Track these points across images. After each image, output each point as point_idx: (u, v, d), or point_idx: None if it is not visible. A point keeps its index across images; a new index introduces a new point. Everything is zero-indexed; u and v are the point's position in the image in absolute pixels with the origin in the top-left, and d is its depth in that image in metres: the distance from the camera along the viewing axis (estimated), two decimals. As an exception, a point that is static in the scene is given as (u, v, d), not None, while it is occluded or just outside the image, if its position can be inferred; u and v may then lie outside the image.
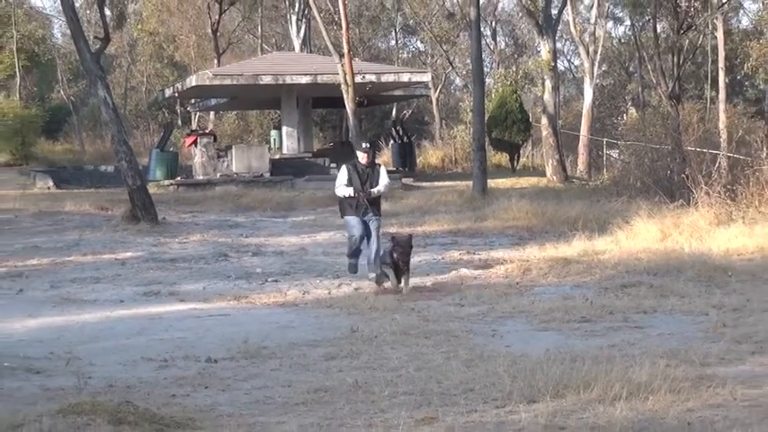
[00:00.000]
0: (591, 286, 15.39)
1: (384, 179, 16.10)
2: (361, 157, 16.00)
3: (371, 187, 15.74)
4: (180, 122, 43.23)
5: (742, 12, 39.98)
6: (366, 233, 15.85)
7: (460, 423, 7.86)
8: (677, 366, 9.39)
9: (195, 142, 38.28)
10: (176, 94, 39.60)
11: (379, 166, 16.59)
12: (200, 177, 36.72)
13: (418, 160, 44.37)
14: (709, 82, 39.56)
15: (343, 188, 15.72)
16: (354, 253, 16.04)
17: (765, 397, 8.47)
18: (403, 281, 14.99)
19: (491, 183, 32.59)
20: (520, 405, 8.24)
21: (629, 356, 9.90)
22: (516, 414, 8.03)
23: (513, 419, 7.91)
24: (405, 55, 58.36)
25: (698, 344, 10.83)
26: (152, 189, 28.22)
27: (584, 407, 8.10)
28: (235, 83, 37.60)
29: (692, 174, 27.46)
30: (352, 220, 15.80)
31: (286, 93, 38.84)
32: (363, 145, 16.86)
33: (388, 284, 15.41)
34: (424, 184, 36.83)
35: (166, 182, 35.47)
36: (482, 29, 36.56)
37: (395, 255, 14.83)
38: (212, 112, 47.91)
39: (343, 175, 15.91)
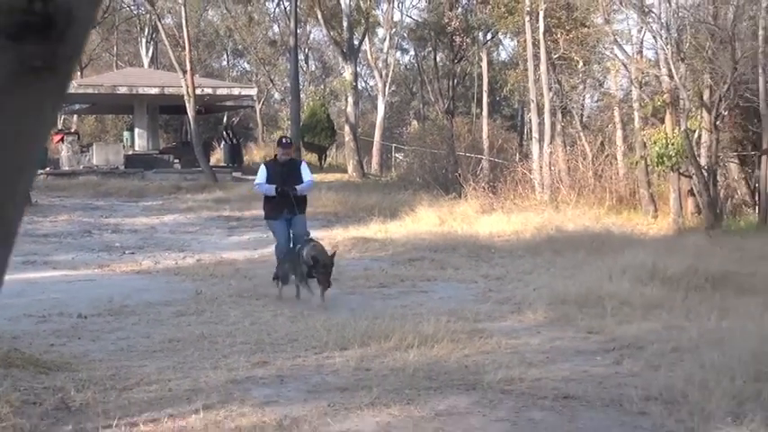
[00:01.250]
0: (386, 260, 15.65)
1: (308, 173, 12.87)
2: (283, 153, 12.48)
3: (294, 184, 12.39)
4: (48, 123, 42.32)
5: (501, 47, 40.80)
6: (290, 235, 12.52)
7: (287, 366, 7.96)
8: (456, 322, 9.68)
9: (62, 139, 37.81)
10: (45, 100, 38.62)
11: (300, 161, 13.47)
12: (66, 168, 36.01)
13: (245, 158, 44.24)
14: (476, 101, 40.37)
15: (264, 185, 12.35)
16: (282, 268, 12.03)
17: (523, 346, 8.78)
18: (320, 292, 10.97)
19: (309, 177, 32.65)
20: (334, 352, 8.39)
21: (418, 314, 10.14)
22: (332, 359, 8.19)
23: (329, 363, 8.06)
24: (234, 73, 57.96)
25: (470, 305, 11.14)
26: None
27: (384, 353, 8.28)
28: (96, 92, 37.30)
29: (462, 173, 28.10)
30: (277, 225, 12.51)
31: (138, 101, 38.52)
32: (283, 140, 13.08)
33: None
34: (250, 177, 36.61)
35: (39, 172, 34.51)
36: (298, 54, 36.56)
37: (316, 275, 10.92)
38: (75, 115, 46.84)
39: (262, 172, 12.54)
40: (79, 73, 46.29)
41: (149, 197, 28.46)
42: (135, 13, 50.72)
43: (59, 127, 42.94)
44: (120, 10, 51.01)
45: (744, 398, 6.62)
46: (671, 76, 21.40)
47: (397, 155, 41.48)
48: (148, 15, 44.49)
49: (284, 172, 12.34)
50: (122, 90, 37.10)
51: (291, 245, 12.24)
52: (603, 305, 10.42)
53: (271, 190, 12.25)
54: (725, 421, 6.20)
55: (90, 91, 37.34)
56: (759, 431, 6.02)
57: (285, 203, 12.34)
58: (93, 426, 6.13)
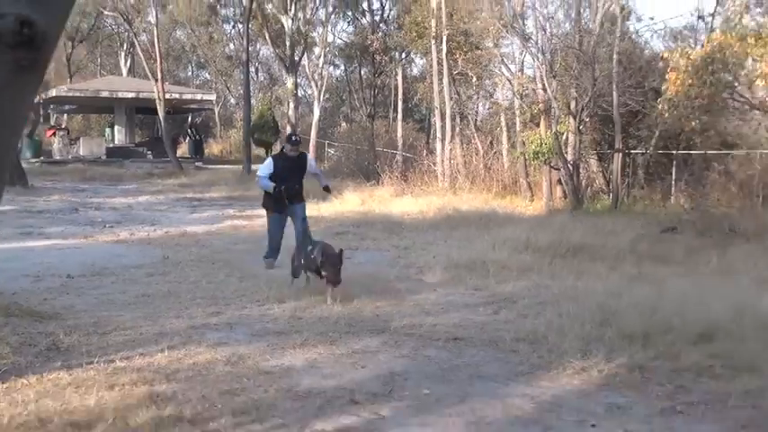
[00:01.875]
0: (318, 233, 15.31)
1: (314, 167, 11.67)
2: (291, 149, 10.75)
3: (301, 178, 10.95)
4: (42, 120, 41.43)
5: (413, 64, 40.95)
6: (284, 228, 11.06)
7: (236, 315, 8.05)
8: (371, 281, 9.83)
9: (54, 134, 37.43)
10: (41, 101, 37.79)
11: (305, 155, 11.28)
12: (58, 157, 35.49)
13: (206, 151, 43.90)
14: (392, 107, 40.38)
15: (264, 180, 10.73)
16: (272, 254, 11.04)
17: (423, 300, 8.90)
18: (330, 291, 8.74)
19: (253, 167, 32.42)
20: (274, 304, 8.46)
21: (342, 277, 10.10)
22: (272, 310, 8.27)
23: (269, 313, 8.13)
24: (197, 81, 57.19)
25: (383, 268, 11.28)
26: (24, 165, 26.87)
27: (313, 305, 8.41)
28: (82, 95, 37.02)
29: (380, 164, 28.19)
30: (273, 219, 10.94)
31: (117, 103, 38.14)
32: (293, 137, 11.20)
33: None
34: (210, 166, 36.38)
35: (33, 160, 33.91)
36: (249, 67, 36.31)
37: (325, 274, 8.87)
38: (66, 114, 45.95)
39: (268, 165, 10.85)
40: (69, 80, 45.60)
41: (126, 182, 28.15)
42: (115, 31, 49.85)
43: (52, 123, 42.24)
44: (102, 28, 50.16)
45: (590, 339, 6.85)
46: (545, 90, 21.69)
47: (329, 150, 41.28)
48: (127, 33, 43.73)
49: (291, 167, 10.72)
50: (104, 94, 36.97)
51: (298, 237, 10.50)
52: (487, 269, 10.60)
53: (269, 187, 10.64)
54: (576, 356, 6.41)
55: (78, 95, 37.10)
56: (600, 364, 6.25)
57: (283, 200, 10.72)
58: (77, 362, 6.15)
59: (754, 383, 5.80)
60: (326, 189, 11.73)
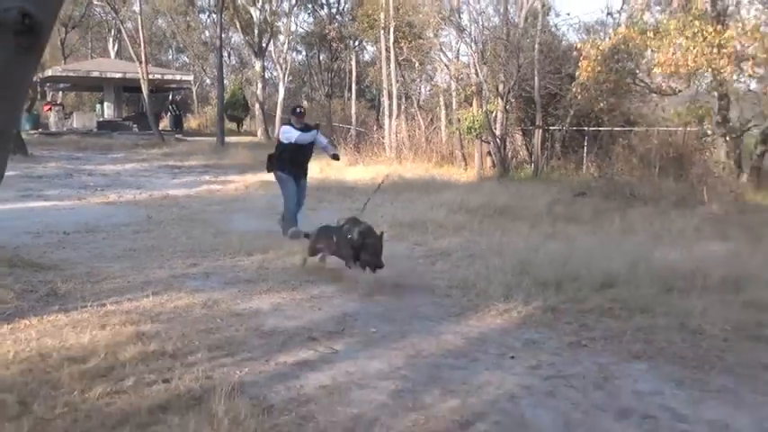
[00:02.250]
0: (281, 197, 15.48)
1: (323, 138, 10.30)
2: (297, 120, 9.78)
3: (311, 149, 10.06)
4: (39, 96, 40.35)
5: (366, 51, 40.63)
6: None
7: (211, 266, 7.99)
8: None
9: (50, 109, 36.50)
10: (38, 80, 36.81)
11: (315, 128, 9.98)
12: (54, 130, 34.60)
13: (185, 125, 43.15)
14: (347, 88, 40.09)
15: (296, 134, 9.62)
16: (294, 220, 9.84)
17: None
18: (364, 274, 7.01)
19: (227, 139, 32.07)
20: (244, 257, 8.43)
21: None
22: (242, 261, 8.24)
23: (240, 264, 8.11)
24: (177, 64, 56.00)
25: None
26: (23, 136, 26.22)
27: (278, 258, 8.36)
28: (75, 75, 36.07)
29: (336, 137, 28.06)
30: (290, 182, 9.89)
31: (106, 83, 37.20)
32: (297, 109, 10.06)
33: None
34: (189, 138, 35.81)
35: (32, 131, 33.07)
36: (222, 52, 35.71)
37: (364, 257, 6.97)
38: (61, 92, 44.78)
39: (290, 129, 9.72)
40: (63, 61, 44.43)
41: (115, 151, 27.57)
42: (104, 18, 48.56)
43: (48, 99, 41.20)
44: (92, 16, 48.84)
45: (512, 286, 6.96)
46: (477, 74, 21.75)
47: (292, 124, 41.06)
48: (114, 21, 42.62)
49: (305, 137, 9.77)
50: (95, 74, 36.16)
51: (299, 207, 9.87)
52: (426, 227, 10.68)
53: (302, 138, 9.59)
54: (499, 300, 6.53)
55: (71, 74, 36.20)
56: (519, 306, 6.38)
57: (301, 164, 9.85)
58: (73, 306, 6.10)
59: (646, 322, 5.98)
60: (335, 157, 10.64)
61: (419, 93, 32.08)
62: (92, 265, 7.82)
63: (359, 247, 6.96)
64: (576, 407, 4.33)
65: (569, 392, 4.54)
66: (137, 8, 35.44)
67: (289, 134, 9.67)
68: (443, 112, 26.54)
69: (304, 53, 45.68)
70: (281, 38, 39.94)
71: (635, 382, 4.73)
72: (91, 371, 4.58)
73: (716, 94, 17.83)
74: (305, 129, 9.83)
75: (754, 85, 17.47)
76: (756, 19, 16.57)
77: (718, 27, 16.33)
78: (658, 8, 20.58)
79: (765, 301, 6.46)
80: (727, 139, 17.72)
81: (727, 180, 15.87)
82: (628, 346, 5.43)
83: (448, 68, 25.21)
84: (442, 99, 26.84)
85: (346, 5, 39.71)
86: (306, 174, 10.17)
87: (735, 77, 16.98)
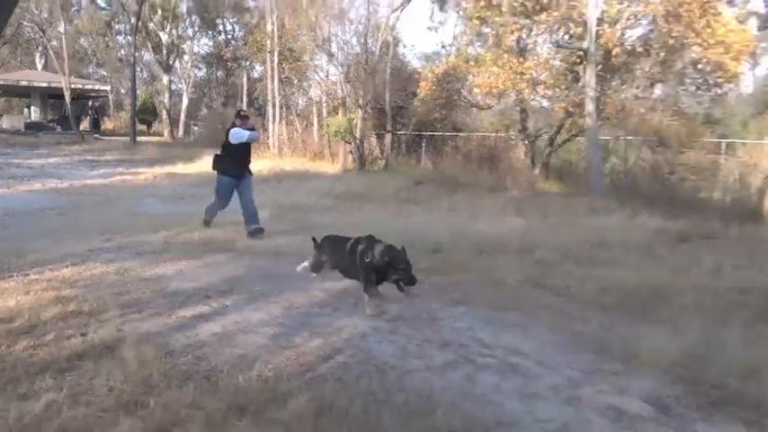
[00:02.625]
0: (184, 185, 14.70)
1: (256, 136, 8.46)
2: (241, 123, 8.35)
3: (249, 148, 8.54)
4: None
5: (255, 69, 39.43)
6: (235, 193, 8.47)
7: (124, 241, 7.61)
8: (222, 216, 9.24)
9: (-18, 111, 33.38)
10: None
11: (255, 130, 8.49)
12: (-14, 129, 31.83)
13: (102, 127, 40.64)
14: (240, 99, 38.98)
15: (246, 133, 8.31)
16: (213, 212, 8.69)
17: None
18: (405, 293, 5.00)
19: (139, 138, 30.49)
20: (152, 233, 8.06)
21: (202, 213, 9.24)
22: (150, 237, 7.88)
23: (148, 240, 7.76)
24: (96, 76, 52.40)
25: (231, 210, 9.70)
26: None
27: (180, 234, 8.05)
28: (5, 83, 33.18)
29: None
30: (229, 185, 8.42)
31: (33, 90, 34.47)
32: (241, 112, 8.73)
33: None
34: (106, 138, 33.75)
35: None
36: (135, 67, 33.78)
37: (396, 277, 4.88)
38: (-9, 98, 41.18)
39: (239, 130, 8.29)
40: (-6, 71, 40.68)
41: (40, 148, 25.53)
42: (33, 37, 44.81)
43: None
44: (22, 35, 44.92)
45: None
46: (342, 90, 21.75)
47: (194, 127, 39.34)
48: (42, 39, 39.35)
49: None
50: (23, 83, 33.45)
51: (248, 206, 8.36)
52: (302, 209, 10.65)
53: (253, 136, 8.34)
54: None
55: (2, 83, 33.27)
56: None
57: (246, 163, 8.48)
58: (0, 276, 5.66)
59: (464, 278, 6.21)
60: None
61: (297, 103, 31.62)
62: (18, 243, 7.25)
63: (385, 268, 4.93)
64: (411, 340, 4.47)
65: (407, 330, 4.67)
66: (62, 29, 32.95)
67: (240, 135, 8.28)
68: (316, 119, 26.36)
69: (204, 70, 43.91)
70: (186, 57, 38.40)
71: (454, 321, 4.93)
72: (16, 329, 4.28)
73: (518, 108, 18.74)
74: (250, 129, 8.47)
75: (545, 102, 18.50)
76: (547, 54, 17.49)
77: (521, 59, 17.12)
78: (479, 44, 21.26)
79: (549, 260, 6.88)
80: (526, 142, 18.70)
81: (524, 173, 16.73)
82: (450, 295, 5.63)
83: (320, 85, 25.07)
84: (315, 109, 26.64)
85: (240, 32, 38.70)
86: (250, 171, 8.59)
87: (531, 97, 17.89)
